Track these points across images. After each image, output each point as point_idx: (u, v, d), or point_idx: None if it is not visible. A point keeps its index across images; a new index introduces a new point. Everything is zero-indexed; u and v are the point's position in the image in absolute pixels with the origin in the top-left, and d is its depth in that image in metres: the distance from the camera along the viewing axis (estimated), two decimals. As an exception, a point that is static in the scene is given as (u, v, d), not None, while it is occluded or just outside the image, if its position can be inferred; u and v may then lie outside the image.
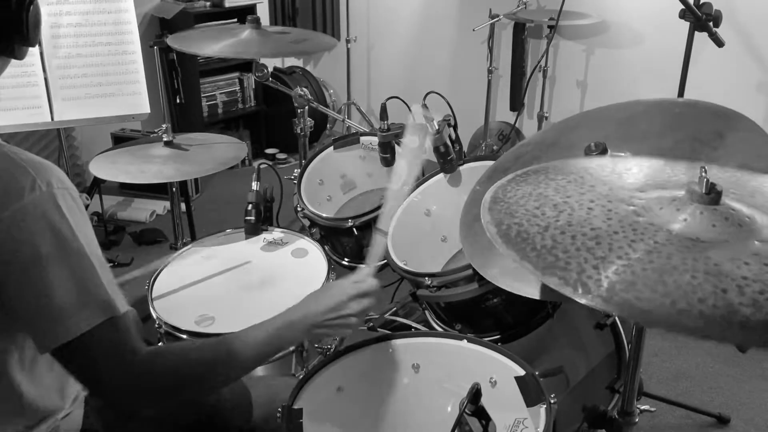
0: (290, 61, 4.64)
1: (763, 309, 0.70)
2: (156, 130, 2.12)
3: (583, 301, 0.75)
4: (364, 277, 1.29)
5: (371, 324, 1.71)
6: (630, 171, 1.02)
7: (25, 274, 0.93)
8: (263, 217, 1.99)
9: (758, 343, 0.70)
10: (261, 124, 4.49)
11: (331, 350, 1.67)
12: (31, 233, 0.92)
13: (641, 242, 0.82)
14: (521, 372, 1.27)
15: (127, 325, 0.99)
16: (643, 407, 1.31)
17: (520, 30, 3.65)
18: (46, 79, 2.48)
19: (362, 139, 2.26)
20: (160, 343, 1.63)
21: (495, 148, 3.80)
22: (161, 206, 3.69)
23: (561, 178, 1.00)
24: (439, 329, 1.69)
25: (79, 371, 0.99)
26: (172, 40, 2.32)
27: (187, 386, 1.07)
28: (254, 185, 1.99)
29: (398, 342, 1.42)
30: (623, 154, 1.34)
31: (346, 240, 2.01)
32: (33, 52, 2.32)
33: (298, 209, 2.11)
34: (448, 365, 1.38)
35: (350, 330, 1.24)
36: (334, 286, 1.27)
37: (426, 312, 1.76)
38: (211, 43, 2.24)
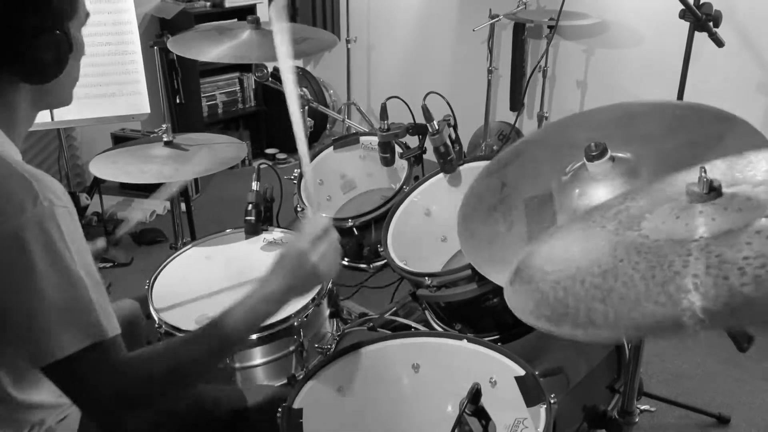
0: (290, 61, 4.63)
1: (765, 283, 0.70)
2: (156, 130, 2.11)
3: (593, 337, 0.76)
4: (311, 222, 1.19)
5: (371, 324, 1.71)
6: (635, 200, 1.01)
7: (17, 290, 0.92)
8: (263, 217, 1.99)
9: (760, 321, 0.70)
10: (261, 124, 4.49)
11: (331, 350, 1.68)
12: (28, 249, 0.91)
13: (644, 260, 0.81)
14: (521, 372, 1.28)
15: (115, 346, 0.98)
16: (643, 407, 1.31)
17: (520, 30, 3.64)
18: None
19: (362, 139, 2.26)
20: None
21: (495, 148, 3.80)
22: (161, 206, 3.70)
23: (575, 229, 1.01)
24: (439, 329, 1.69)
25: (66, 390, 0.99)
26: (172, 44, 2.31)
27: (178, 387, 1.06)
28: (254, 185, 1.99)
29: (398, 342, 1.42)
30: (623, 155, 1.34)
31: (346, 240, 2.01)
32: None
33: (298, 209, 2.11)
34: (448, 365, 1.38)
35: (330, 276, 1.17)
36: (286, 249, 1.15)
37: (426, 312, 1.76)
38: (211, 47, 2.23)
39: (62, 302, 0.93)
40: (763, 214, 0.80)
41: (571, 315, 0.80)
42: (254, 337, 1.59)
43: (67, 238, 0.94)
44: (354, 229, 1.95)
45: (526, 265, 0.99)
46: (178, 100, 3.72)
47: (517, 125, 3.68)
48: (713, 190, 0.85)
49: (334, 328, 1.82)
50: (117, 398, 0.98)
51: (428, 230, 1.91)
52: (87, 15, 1.08)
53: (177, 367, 1.03)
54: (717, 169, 0.94)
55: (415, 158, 2.06)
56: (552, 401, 1.19)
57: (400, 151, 2.09)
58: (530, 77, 3.69)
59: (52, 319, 0.93)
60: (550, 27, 3.23)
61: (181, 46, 2.30)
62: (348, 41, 4.35)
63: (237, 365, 1.61)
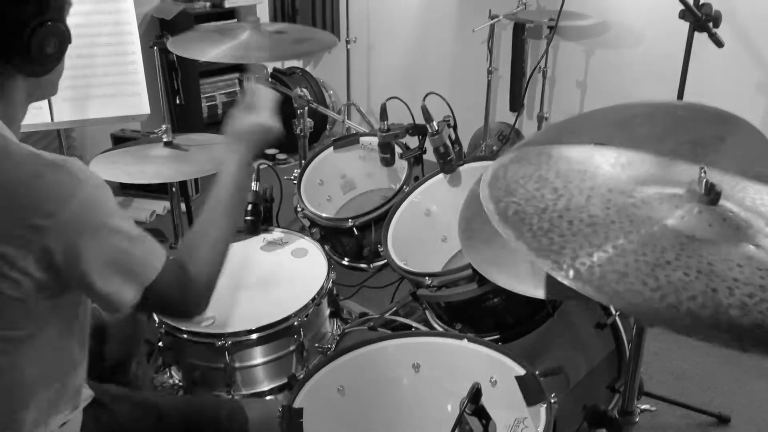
0: (290, 62, 4.63)
1: (751, 313, 0.69)
2: (156, 131, 2.12)
3: (574, 286, 0.74)
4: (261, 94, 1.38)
5: (371, 324, 1.71)
6: (632, 164, 1.01)
7: (102, 254, 1.02)
8: (263, 217, 1.99)
9: (742, 347, 0.69)
10: (261, 124, 4.48)
11: (332, 350, 1.68)
12: (96, 218, 1.01)
13: (637, 233, 0.81)
14: (521, 371, 1.28)
15: (178, 258, 1.14)
16: (643, 407, 1.31)
17: (519, 30, 3.64)
18: (46, 80, 2.47)
19: (362, 139, 2.26)
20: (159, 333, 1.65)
21: (495, 148, 3.80)
22: (161, 206, 3.69)
23: (563, 164, 0.99)
24: (440, 329, 1.69)
25: (163, 303, 1.14)
26: (172, 44, 2.31)
27: (224, 256, 1.20)
28: (254, 185, 1.99)
29: (398, 342, 1.42)
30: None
31: (346, 240, 2.01)
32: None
33: (298, 209, 2.11)
34: (449, 365, 1.38)
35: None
36: (247, 124, 1.37)
37: (426, 312, 1.76)
38: (211, 48, 2.23)
39: (137, 244, 1.06)
40: (753, 242, 0.80)
41: (554, 253, 0.78)
42: (254, 336, 1.59)
43: (108, 200, 1.04)
44: (354, 229, 1.95)
45: (507, 175, 0.97)
46: (178, 101, 3.72)
47: (517, 126, 3.68)
48: (712, 193, 0.85)
49: (335, 327, 1.82)
50: (199, 292, 1.14)
51: (428, 230, 1.91)
52: (70, 4, 1.11)
53: (216, 246, 1.18)
54: (723, 181, 0.95)
55: (415, 159, 2.06)
56: (552, 401, 1.19)
57: (400, 151, 2.09)
58: (530, 78, 3.69)
59: (138, 254, 1.06)
60: (550, 27, 3.23)
61: (181, 46, 2.30)
62: (348, 42, 4.34)
63: (237, 365, 1.61)
